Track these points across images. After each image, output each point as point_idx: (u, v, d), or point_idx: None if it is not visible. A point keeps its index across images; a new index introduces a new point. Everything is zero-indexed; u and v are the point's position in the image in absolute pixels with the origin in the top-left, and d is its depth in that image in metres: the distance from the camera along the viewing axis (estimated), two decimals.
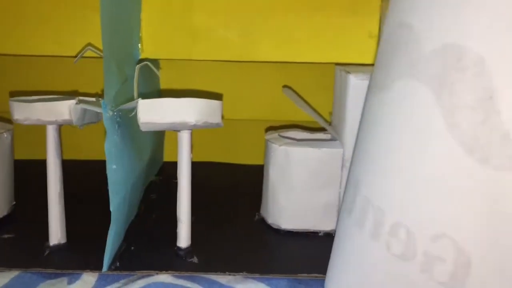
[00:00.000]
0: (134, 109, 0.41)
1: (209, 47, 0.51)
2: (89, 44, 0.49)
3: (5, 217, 0.48)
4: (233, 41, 0.51)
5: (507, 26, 0.28)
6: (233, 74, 0.62)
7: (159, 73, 0.60)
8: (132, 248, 0.44)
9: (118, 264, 0.42)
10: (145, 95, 0.42)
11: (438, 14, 0.30)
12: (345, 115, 0.46)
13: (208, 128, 0.42)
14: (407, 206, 0.31)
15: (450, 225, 0.30)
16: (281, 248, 0.46)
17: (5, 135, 0.48)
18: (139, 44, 0.51)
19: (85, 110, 0.42)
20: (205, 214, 0.51)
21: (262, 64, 0.58)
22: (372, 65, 0.49)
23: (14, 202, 0.50)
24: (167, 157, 0.66)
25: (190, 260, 0.43)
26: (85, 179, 0.58)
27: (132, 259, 0.43)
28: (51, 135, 0.42)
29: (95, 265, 0.41)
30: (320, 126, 0.52)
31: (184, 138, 0.42)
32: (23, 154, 0.59)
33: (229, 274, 0.41)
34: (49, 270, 0.40)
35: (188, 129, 0.42)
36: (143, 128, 0.40)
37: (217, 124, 0.42)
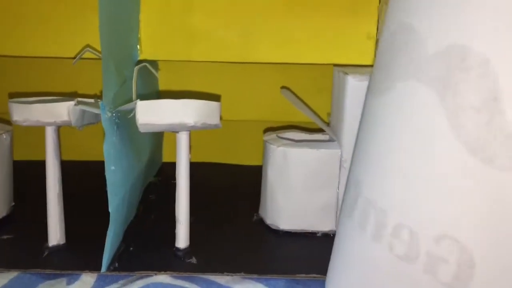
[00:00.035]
0: (132, 110, 0.41)
1: (207, 48, 0.51)
2: (88, 46, 0.49)
3: (4, 218, 0.49)
4: (232, 42, 0.51)
5: (511, 26, 0.28)
6: (232, 75, 0.62)
7: (158, 75, 0.60)
8: (131, 248, 0.44)
9: (117, 264, 0.42)
10: (143, 97, 0.42)
11: (440, 14, 0.30)
12: (343, 116, 0.46)
13: (206, 129, 0.42)
14: (410, 207, 0.31)
15: (453, 226, 0.30)
16: (279, 249, 0.46)
17: (4, 136, 0.48)
18: (138, 45, 0.51)
19: (84, 111, 0.42)
20: (204, 215, 0.51)
21: (261, 65, 0.58)
22: (371, 66, 0.50)
23: (13, 203, 0.50)
24: (166, 158, 0.67)
25: (189, 260, 0.43)
26: (84, 180, 0.58)
27: (131, 259, 0.43)
28: (50, 136, 0.43)
29: (94, 266, 0.41)
30: (318, 127, 0.52)
31: (183, 139, 0.42)
32: (22, 155, 0.59)
33: (228, 275, 0.41)
34: (48, 271, 0.41)
35: (187, 130, 0.42)
36: (141, 129, 0.40)
37: (216, 125, 0.42)
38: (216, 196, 0.58)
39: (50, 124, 0.42)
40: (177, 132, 0.42)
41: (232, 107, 0.62)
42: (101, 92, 0.39)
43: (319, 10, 0.50)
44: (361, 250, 0.34)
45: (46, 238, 0.44)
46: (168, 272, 0.41)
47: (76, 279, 0.40)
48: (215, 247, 0.46)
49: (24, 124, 0.42)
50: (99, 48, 0.39)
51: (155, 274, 0.41)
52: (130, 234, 0.47)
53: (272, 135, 0.51)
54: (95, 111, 0.41)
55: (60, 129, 0.43)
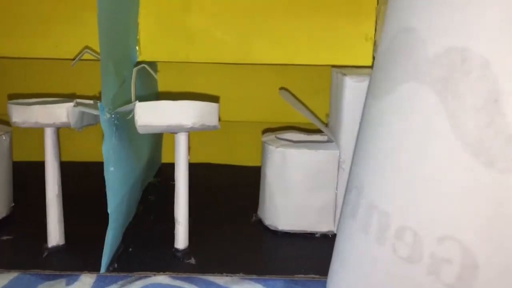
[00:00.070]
0: (131, 111, 0.41)
1: (206, 50, 0.51)
2: (87, 47, 0.49)
3: (4, 219, 0.49)
4: (230, 44, 0.51)
5: (511, 27, 0.28)
6: (231, 76, 0.62)
7: (157, 76, 0.60)
8: (130, 249, 0.45)
9: (116, 265, 0.42)
10: (142, 98, 0.42)
11: (441, 17, 0.30)
12: (342, 117, 0.46)
13: (205, 131, 0.43)
14: (412, 209, 0.31)
15: (456, 227, 0.30)
16: (278, 249, 0.46)
17: (4, 138, 0.48)
18: (137, 47, 0.51)
19: (83, 113, 0.43)
20: (203, 216, 0.51)
21: (259, 67, 0.58)
22: (369, 67, 0.50)
23: (13, 204, 0.51)
24: (165, 159, 0.67)
25: (188, 261, 0.43)
26: (83, 181, 0.58)
27: (130, 260, 0.43)
28: (49, 137, 0.43)
29: (93, 267, 0.41)
30: (316, 128, 0.52)
31: (181, 140, 0.43)
32: (22, 156, 0.59)
33: (226, 275, 0.41)
34: (48, 272, 0.41)
35: (185, 132, 0.42)
36: (140, 130, 0.40)
37: (214, 127, 0.42)
38: (215, 197, 0.58)
39: (49, 125, 0.42)
40: (176, 133, 0.42)
41: (230, 108, 0.62)
42: (100, 93, 0.39)
43: (317, 12, 0.50)
44: (364, 252, 0.34)
45: (45, 239, 0.44)
46: (167, 272, 0.41)
47: (75, 280, 0.40)
48: (214, 248, 0.46)
49: (23, 125, 0.42)
50: (98, 50, 0.39)
51: (154, 274, 0.41)
52: (129, 234, 0.47)
53: (270, 136, 0.51)
54: (94, 112, 0.41)
55: (59, 130, 0.44)
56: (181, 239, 0.44)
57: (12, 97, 0.47)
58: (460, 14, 0.30)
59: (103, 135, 0.39)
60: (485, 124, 0.29)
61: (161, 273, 0.41)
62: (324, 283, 0.40)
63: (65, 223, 0.45)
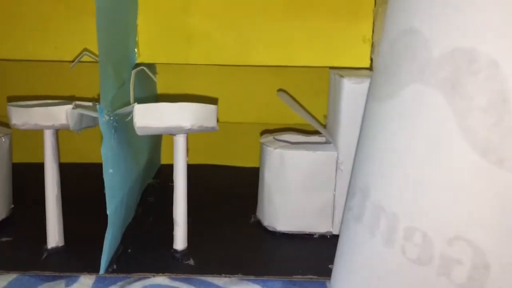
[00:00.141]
0: (130, 113, 0.41)
1: (205, 51, 0.52)
2: (86, 49, 0.49)
3: (3, 220, 0.49)
4: (229, 45, 0.51)
5: None
6: (229, 78, 0.62)
7: (156, 78, 0.60)
8: (129, 250, 0.45)
9: (115, 266, 0.42)
10: (141, 100, 0.43)
11: (445, 17, 0.30)
12: (340, 118, 0.47)
13: (203, 132, 0.43)
14: (421, 210, 0.31)
15: (466, 227, 0.29)
16: (277, 250, 0.47)
17: (3, 139, 0.48)
18: (136, 49, 0.51)
19: (82, 115, 0.43)
20: (201, 217, 0.52)
21: (258, 68, 0.58)
22: (366, 69, 0.50)
23: (13, 205, 0.51)
24: (164, 160, 0.67)
25: (187, 262, 0.43)
26: (83, 182, 0.59)
27: (129, 261, 0.43)
28: (49, 139, 0.43)
29: (93, 268, 0.41)
30: (314, 129, 0.52)
31: (180, 142, 0.43)
32: (21, 157, 0.59)
33: (225, 276, 0.41)
34: (47, 273, 0.41)
35: (184, 133, 0.42)
36: (139, 132, 0.40)
37: (212, 128, 0.42)
38: (214, 198, 0.58)
39: (48, 127, 0.42)
40: (175, 135, 0.43)
41: (229, 110, 0.62)
42: (99, 95, 0.40)
43: (315, 14, 0.50)
44: (371, 255, 0.34)
45: (45, 240, 0.44)
46: (166, 273, 0.41)
47: (74, 281, 0.40)
48: (212, 249, 0.46)
49: (23, 127, 0.42)
50: (97, 52, 0.39)
51: (153, 276, 0.41)
52: (128, 236, 0.47)
53: (269, 137, 0.51)
54: (93, 114, 0.41)
55: (58, 132, 0.44)
56: (180, 240, 0.44)
57: (12, 99, 0.47)
58: (465, 14, 0.29)
59: (102, 137, 0.39)
60: (493, 123, 0.28)
61: (160, 274, 0.41)
62: (323, 283, 0.40)
63: (65, 224, 0.45)
